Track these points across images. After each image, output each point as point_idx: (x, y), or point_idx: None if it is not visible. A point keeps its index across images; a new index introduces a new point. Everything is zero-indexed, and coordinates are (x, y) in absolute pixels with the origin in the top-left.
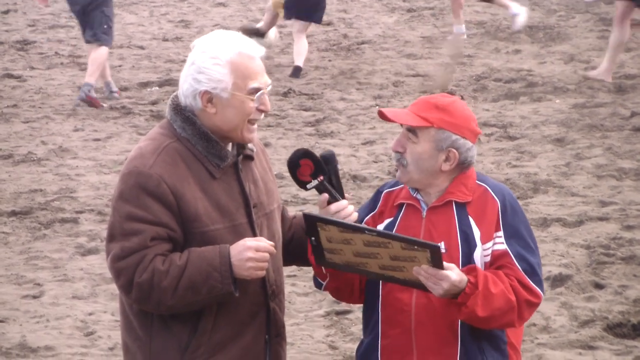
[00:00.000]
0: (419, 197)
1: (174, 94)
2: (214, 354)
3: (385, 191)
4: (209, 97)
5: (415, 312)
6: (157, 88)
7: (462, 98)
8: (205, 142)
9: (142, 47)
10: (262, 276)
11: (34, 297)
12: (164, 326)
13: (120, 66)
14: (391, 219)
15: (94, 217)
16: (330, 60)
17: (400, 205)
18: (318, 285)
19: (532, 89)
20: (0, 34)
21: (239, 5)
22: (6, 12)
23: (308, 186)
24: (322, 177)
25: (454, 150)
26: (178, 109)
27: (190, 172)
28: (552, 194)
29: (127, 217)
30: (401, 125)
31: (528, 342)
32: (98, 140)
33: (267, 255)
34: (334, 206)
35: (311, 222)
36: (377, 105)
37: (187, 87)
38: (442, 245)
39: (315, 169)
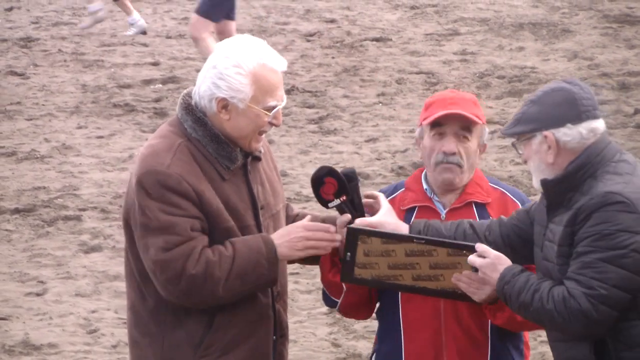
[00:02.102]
0: (435, 198)
1: (185, 91)
2: (226, 353)
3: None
4: (224, 104)
5: (444, 314)
6: (160, 85)
7: None
8: (216, 144)
9: (145, 45)
10: (325, 253)
11: (37, 294)
12: (178, 323)
13: (123, 63)
14: None
15: (97, 214)
16: (333, 57)
17: (411, 209)
18: (332, 304)
19: (535, 86)
20: (3, 31)
21: (242, 2)
22: (10, 9)
23: (329, 205)
24: (344, 197)
25: (485, 143)
26: (189, 108)
27: (203, 172)
28: None
29: (161, 211)
30: (439, 125)
31: (531, 340)
32: (101, 137)
33: (320, 233)
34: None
35: (353, 235)
36: (380, 102)
37: (204, 90)
38: None
39: (338, 188)
